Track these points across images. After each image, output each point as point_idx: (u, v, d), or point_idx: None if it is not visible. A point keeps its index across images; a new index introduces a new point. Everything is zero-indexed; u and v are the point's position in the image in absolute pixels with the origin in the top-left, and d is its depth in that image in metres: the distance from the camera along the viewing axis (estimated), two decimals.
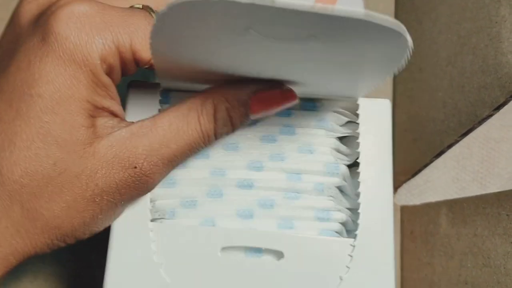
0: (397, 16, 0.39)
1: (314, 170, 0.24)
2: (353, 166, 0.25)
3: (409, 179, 0.32)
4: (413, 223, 0.32)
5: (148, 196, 0.23)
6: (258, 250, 0.23)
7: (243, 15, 0.16)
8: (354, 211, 0.24)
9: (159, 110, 0.24)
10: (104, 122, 0.21)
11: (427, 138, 0.30)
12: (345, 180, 0.25)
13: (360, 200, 0.24)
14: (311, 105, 0.25)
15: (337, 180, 0.24)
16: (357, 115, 0.25)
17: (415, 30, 0.34)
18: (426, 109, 0.31)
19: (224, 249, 0.23)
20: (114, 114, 0.22)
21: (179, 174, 0.24)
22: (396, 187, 0.34)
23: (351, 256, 0.23)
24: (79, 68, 0.20)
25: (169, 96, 0.25)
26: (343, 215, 0.24)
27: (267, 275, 0.23)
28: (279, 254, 0.23)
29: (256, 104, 0.22)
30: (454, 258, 0.26)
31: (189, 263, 0.22)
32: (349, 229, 0.24)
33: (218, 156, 0.24)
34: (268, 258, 0.23)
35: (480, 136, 0.34)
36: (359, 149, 0.24)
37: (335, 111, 0.25)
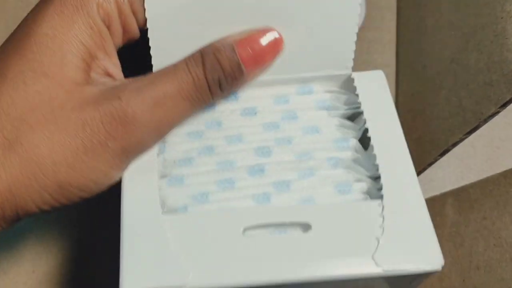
0: (399, 12, 0.38)
1: (325, 148, 0.24)
2: (364, 144, 0.25)
3: None
4: None
5: (157, 193, 0.22)
6: (283, 225, 0.22)
7: None
8: (374, 179, 0.23)
9: None
10: (98, 77, 0.22)
11: (431, 137, 0.29)
12: (357, 153, 0.24)
13: (380, 170, 0.23)
14: (308, 89, 0.25)
15: (349, 154, 0.24)
16: (355, 91, 0.25)
17: (418, 27, 0.34)
18: (430, 107, 0.30)
19: (246, 229, 0.21)
20: (109, 75, 0.23)
21: (185, 170, 0.23)
22: None
23: (382, 216, 0.21)
24: (75, 10, 0.21)
25: None
26: (363, 184, 0.23)
27: (296, 250, 0.21)
28: (305, 227, 0.21)
29: (243, 50, 0.23)
30: (464, 245, 0.26)
31: (209, 249, 0.21)
32: (373, 198, 0.23)
33: (222, 148, 0.24)
34: (294, 233, 0.22)
35: (485, 134, 0.34)
36: (366, 124, 0.24)
37: (333, 91, 0.25)
